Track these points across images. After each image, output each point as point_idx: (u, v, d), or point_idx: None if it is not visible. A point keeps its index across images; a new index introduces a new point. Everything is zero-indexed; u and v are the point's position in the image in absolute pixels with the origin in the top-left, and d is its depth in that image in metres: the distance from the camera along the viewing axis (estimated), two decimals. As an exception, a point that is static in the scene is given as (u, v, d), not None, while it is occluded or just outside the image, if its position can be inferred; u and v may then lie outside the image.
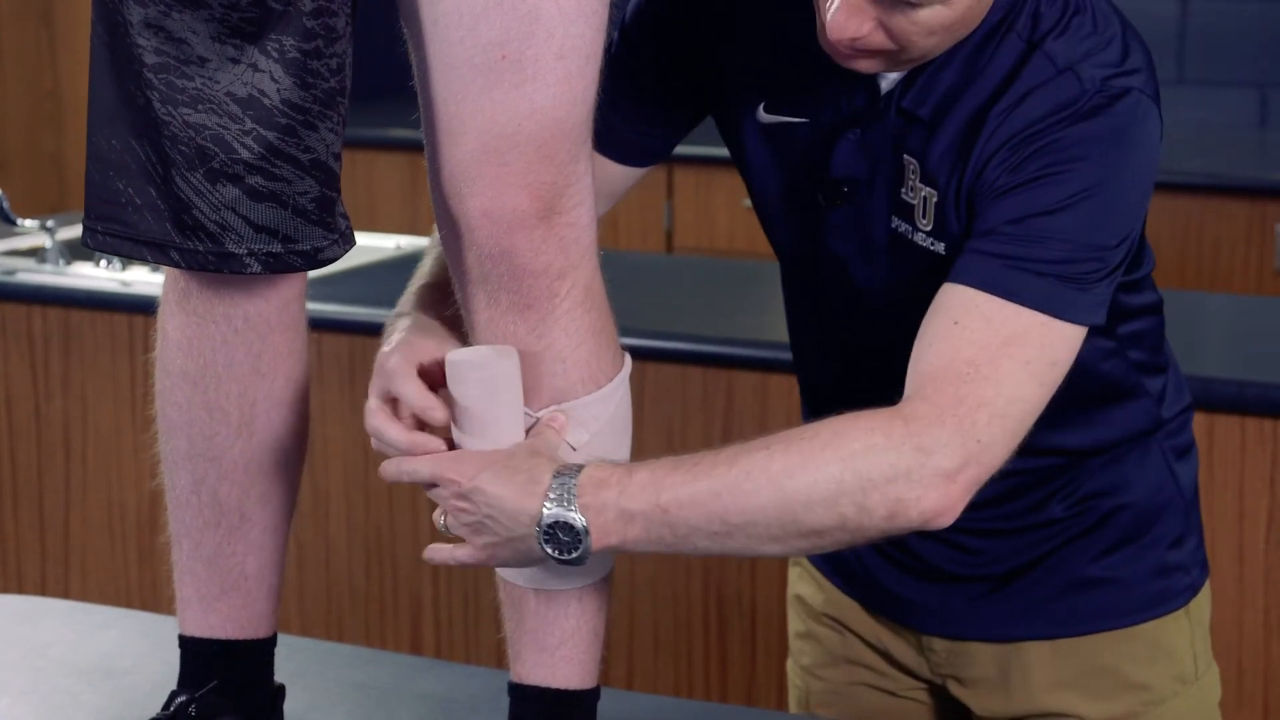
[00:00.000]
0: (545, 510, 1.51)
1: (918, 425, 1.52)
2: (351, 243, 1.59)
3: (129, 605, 3.34)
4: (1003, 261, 1.58)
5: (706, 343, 3.05)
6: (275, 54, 1.50)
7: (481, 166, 1.51)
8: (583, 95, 1.52)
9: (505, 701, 1.66)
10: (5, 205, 3.56)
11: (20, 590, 3.55)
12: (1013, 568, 1.83)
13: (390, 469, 1.58)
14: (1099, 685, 1.83)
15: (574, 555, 1.52)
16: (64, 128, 5.40)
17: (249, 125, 1.51)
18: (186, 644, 1.72)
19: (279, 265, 1.55)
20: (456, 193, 1.53)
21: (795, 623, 2.00)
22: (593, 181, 1.57)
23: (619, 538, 1.52)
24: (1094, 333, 1.63)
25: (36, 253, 3.70)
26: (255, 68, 1.50)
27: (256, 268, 1.55)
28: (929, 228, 1.67)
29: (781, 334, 3.26)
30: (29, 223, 3.69)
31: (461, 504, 1.54)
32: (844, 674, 1.95)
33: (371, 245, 3.80)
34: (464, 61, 1.50)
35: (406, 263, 3.71)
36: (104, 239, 1.57)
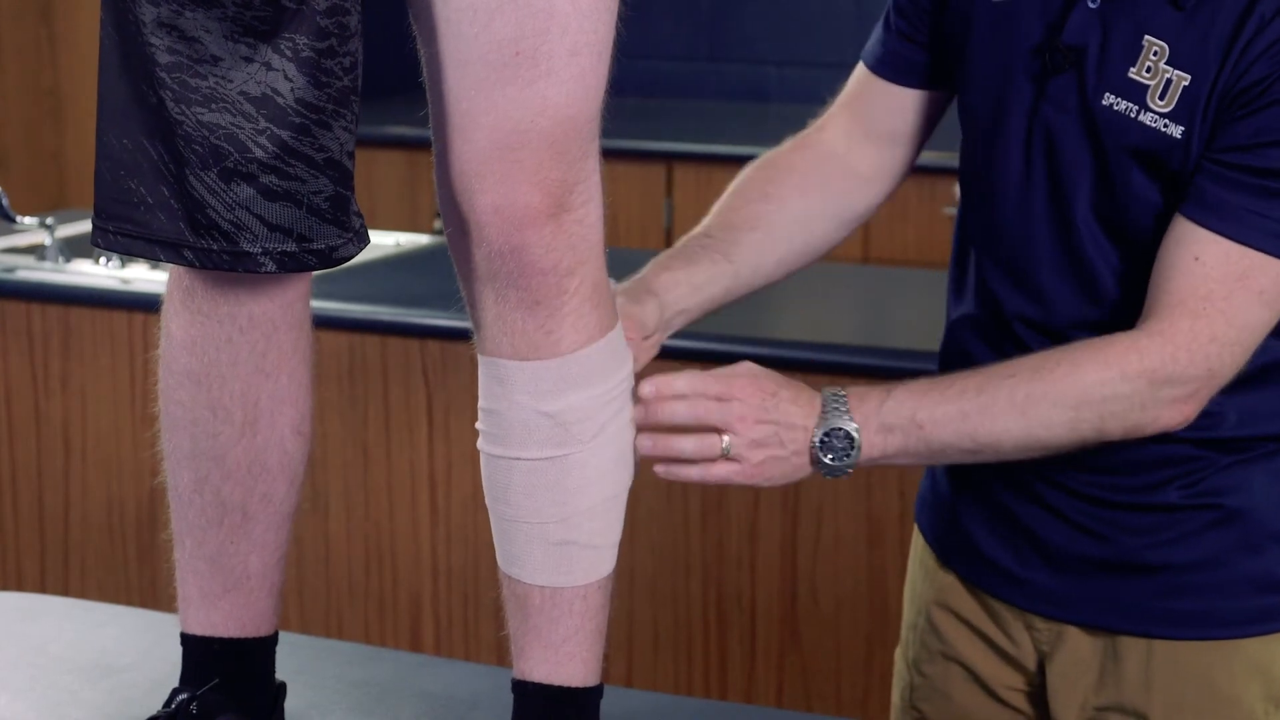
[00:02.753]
0: (823, 420, 1.70)
1: (1153, 361, 1.68)
2: (366, 241, 1.59)
3: (128, 602, 3.34)
4: (1248, 202, 1.66)
5: (706, 340, 3.05)
6: (289, 53, 1.49)
7: (493, 163, 1.51)
8: (595, 92, 1.52)
9: (505, 699, 1.66)
10: (5, 202, 3.55)
11: (20, 587, 3.55)
12: (1120, 553, 1.82)
13: (687, 382, 1.70)
14: (1188, 694, 1.82)
15: (846, 462, 1.70)
16: (64, 125, 5.39)
17: (263, 124, 1.50)
18: (188, 642, 1.72)
19: (294, 264, 1.55)
20: (467, 189, 1.53)
21: (907, 613, 2.02)
22: (601, 180, 1.57)
23: (880, 450, 1.71)
24: None
25: (36, 250, 3.70)
26: (269, 66, 1.49)
27: (271, 267, 1.54)
28: (1167, 109, 1.70)
29: (780, 331, 3.28)
30: (28, 220, 3.69)
31: (763, 416, 1.70)
32: (943, 670, 1.95)
33: (371, 243, 3.79)
34: (477, 58, 1.50)
35: (406, 260, 3.74)
36: (116, 238, 1.56)
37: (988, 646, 1.92)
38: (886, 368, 2.89)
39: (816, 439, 1.70)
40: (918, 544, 2.01)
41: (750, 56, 5.43)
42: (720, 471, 1.71)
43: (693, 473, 1.71)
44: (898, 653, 2.03)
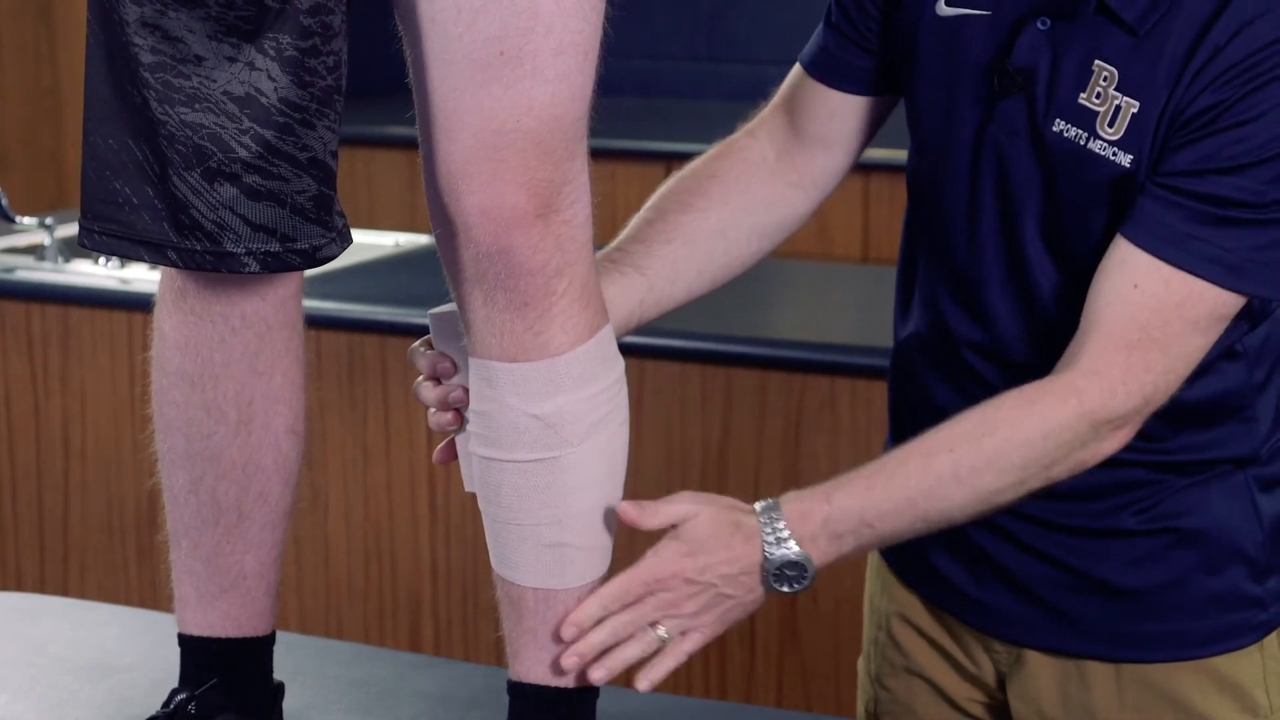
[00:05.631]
0: (769, 556, 1.63)
1: (1092, 403, 1.65)
2: (348, 241, 1.59)
3: (128, 602, 3.34)
4: (1189, 228, 1.64)
5: (705, 340, 3.05)
6: (272, 52, 1.49)
7: (479, 163, 1.51)
8: (580, 91, 1.52)
9: (504, 699, 1.66)
10: (4, 202, 3.55)
11: (19, 587, 3.55)
12: (1079, 577, 1.81)
13: (600, 604, 1.62)
14: (1161, 714, 1.81)
15: (804, 585, 1.64)
16: (63, 125, 5.39)
17: (246, 124, 1.50)
18: (186, 642, 1.72)
19: (277, 264, 1.55)
20: (453, 190, 1.53)
21: (867, 627, 2.00)
22: (589, 180, 1.56)
23: (836, 554, 1.65)
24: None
25: (35, 250, 3.70)
26: (252, 66, 1.49)
27: (255, 267, 1.54)
28: (1115, 137, 1.67)
29: (780, 331, 3.27)
30: (28, 220, 3.69)
31: (694, 590, 1.63)
32: (905, 684, 1.94)
33: (370, 243, 3.80)
34: (462, 57, 1.50)
35: (405, 260, 3.74)
36: (101, 239, 1.56)
37: (948, 663, 1.91)
38: (886, 368, 2.88)
39: (768, 577, 1.64)
40: (873, 557, 1.99)
41: (750, 56, 5.42)
42: (679, 650, 1.65)
43: (658, 671, 1.66)
44: (860, 665, 2.02)
